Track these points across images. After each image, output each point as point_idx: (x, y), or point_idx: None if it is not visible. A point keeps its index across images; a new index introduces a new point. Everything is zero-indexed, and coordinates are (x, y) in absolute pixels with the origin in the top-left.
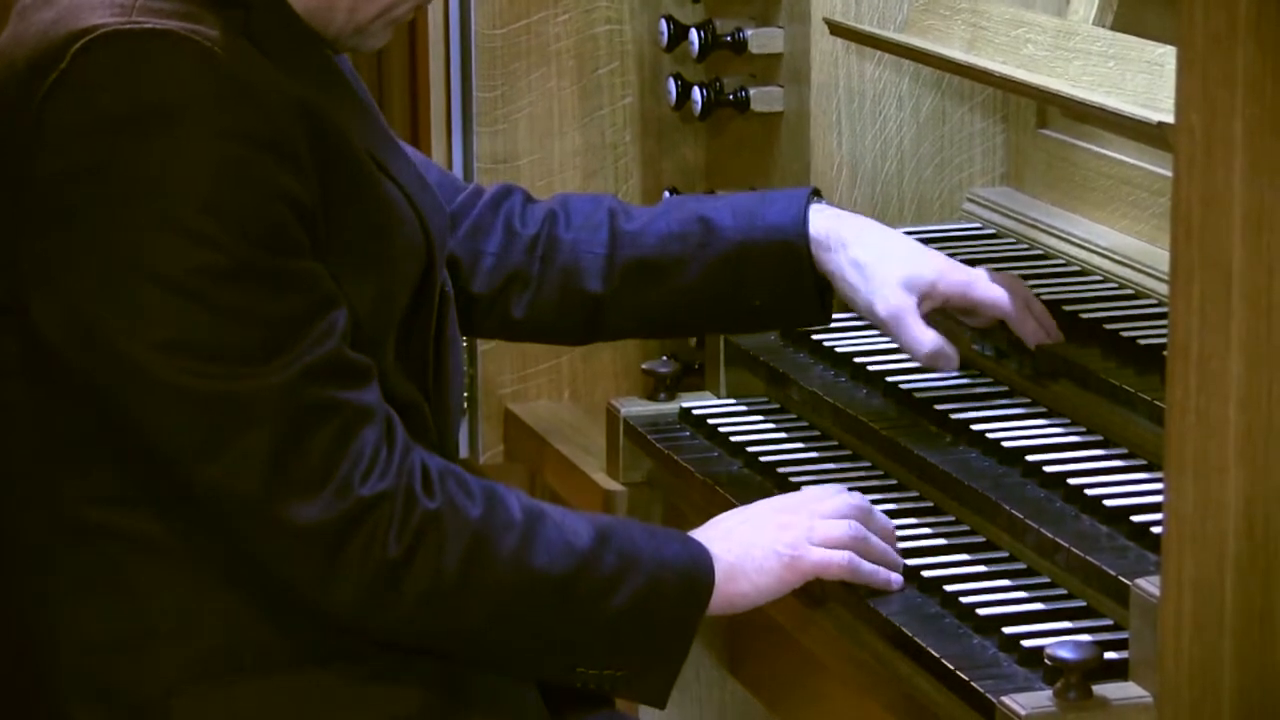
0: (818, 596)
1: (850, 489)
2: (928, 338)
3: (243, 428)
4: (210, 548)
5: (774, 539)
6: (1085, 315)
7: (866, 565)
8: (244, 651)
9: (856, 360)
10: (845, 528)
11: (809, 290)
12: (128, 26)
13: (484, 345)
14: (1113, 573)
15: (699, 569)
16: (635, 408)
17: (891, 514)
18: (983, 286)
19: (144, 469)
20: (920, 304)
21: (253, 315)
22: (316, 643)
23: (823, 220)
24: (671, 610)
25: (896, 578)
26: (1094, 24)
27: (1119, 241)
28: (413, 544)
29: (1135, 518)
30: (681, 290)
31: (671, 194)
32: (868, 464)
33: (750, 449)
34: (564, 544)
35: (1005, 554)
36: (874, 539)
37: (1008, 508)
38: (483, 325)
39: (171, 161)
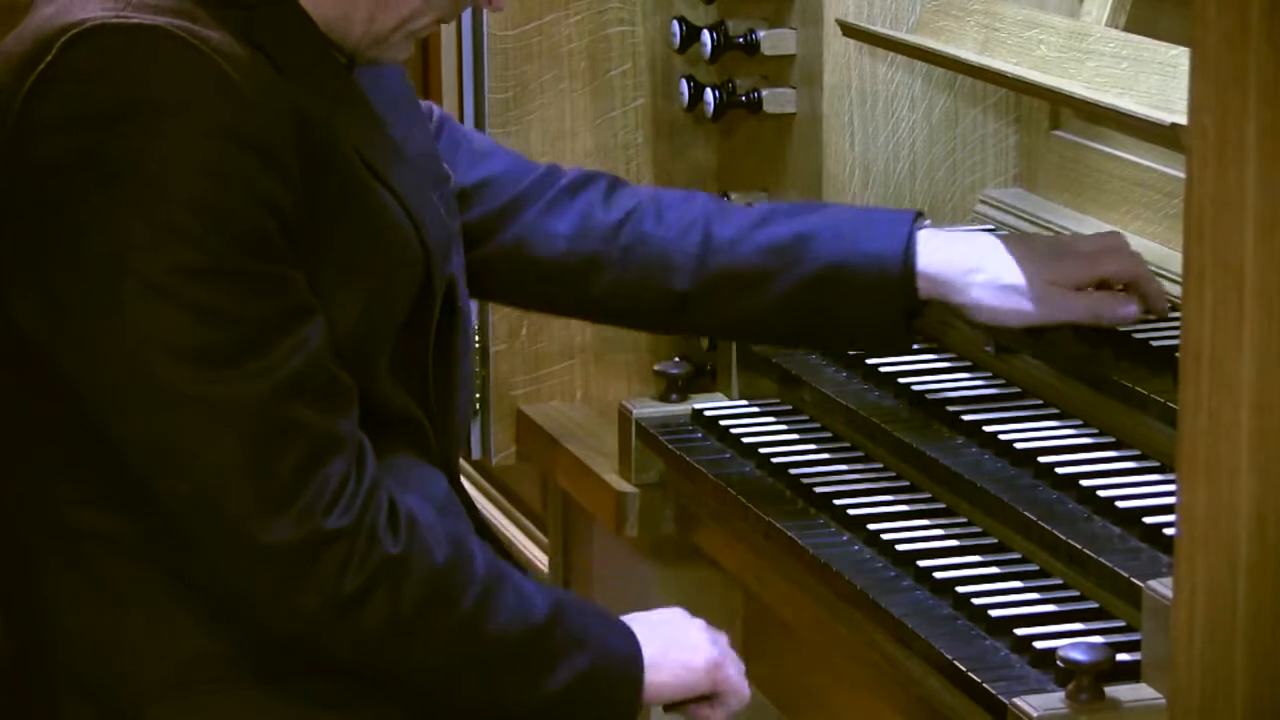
0: (828, 600)
1: (862, 490)
2: (1095, 300)
3: (211, 436)
4: (179, 557)
5: (696, 641)
6: None
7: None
8: (220, 662)
9: (868, 361)
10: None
11: (898, 321)
12: (115, 20)
13: (496, 346)
14: (1125, 575)
15: (635, 664)
16: (647, 409)
17: (904, 515)
18: (1104, 260)
19: (124, 471)
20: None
21: (225, 315)
22: (296, 656)
23: (934, 256)
24: (604, 700)
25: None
26: (1107, 25)
27: (1131, 243)
28: (368, 584)
29: (1147, 519)
30: (768, 305)
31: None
32: (879, 465)
33: (762, 450)
34: (520, 612)
35: (1017, 556)
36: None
37: (1020, 509)
38: (560, 302)
39: (150, 158)
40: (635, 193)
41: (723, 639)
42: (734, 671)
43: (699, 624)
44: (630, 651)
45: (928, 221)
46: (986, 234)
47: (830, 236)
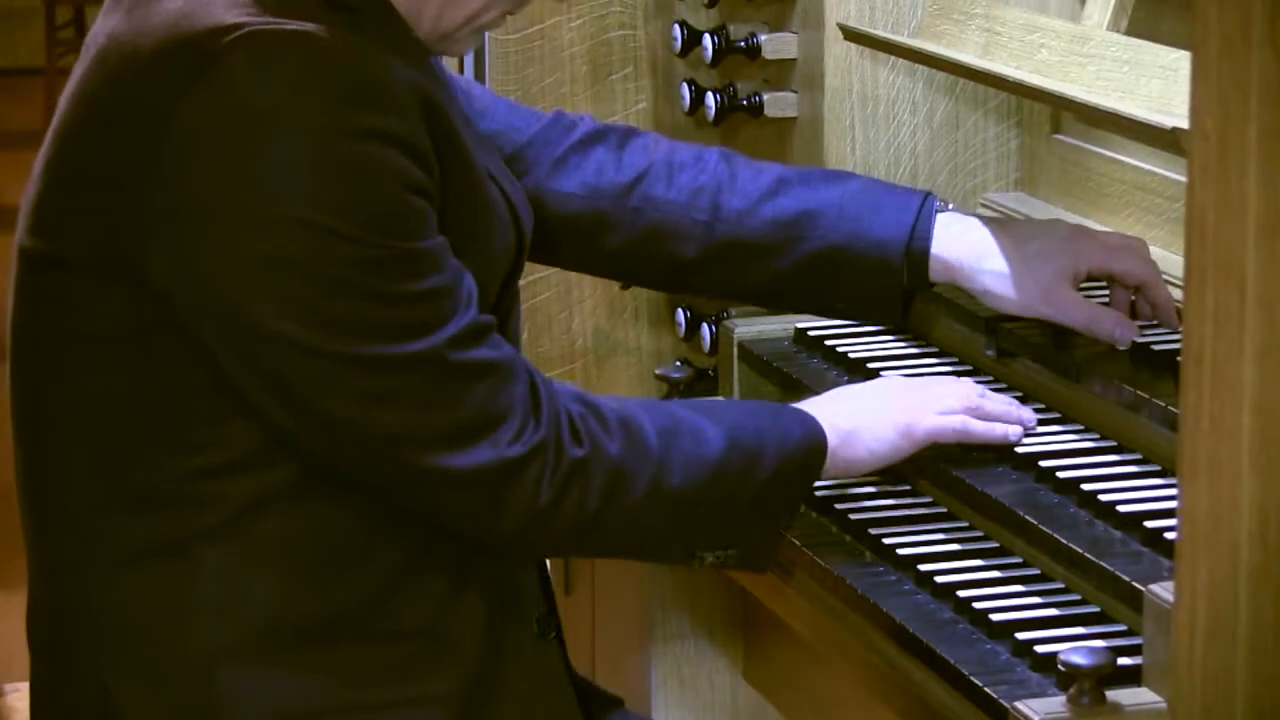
0: (831, 605)
1: (863, 494)
2: (1098, 313)
3: (401, 392)
4: (263, 522)
5: (888, 407)
6: None
7: (980, 425)
8: (286, 624)
9: (870, 365)
10: (962, 396)
11: (895, 302)
12: (269, 26)
13: None
14: (1126, 578)
15: (813, 449)
16: None
17: (905, 520)
18: (1120, 256)
19: (212, 441)
20: (1069, 283)
21: (400, 297)
22: (357, 621)
23: (952, 243)
24: (788, 493)
25: (1015, 430)
26: (1108, 29)
27: None
28: (560, 492)
29: (1149, 523)
30: (772, 276)
31: None
32: (881, 469)
33: None
34: (696, 460)
35: (1019, 560)
36: (989, 403)
37: (1021, 513)
38: (565, 259)
39: (312, 161)
40: (648, 150)
41: (923, 395)
42: (930, 423)
43: (903, 386)
44: (809, 439)
45: (947, 205)
46: (1009, 220)
47: (836, 217)
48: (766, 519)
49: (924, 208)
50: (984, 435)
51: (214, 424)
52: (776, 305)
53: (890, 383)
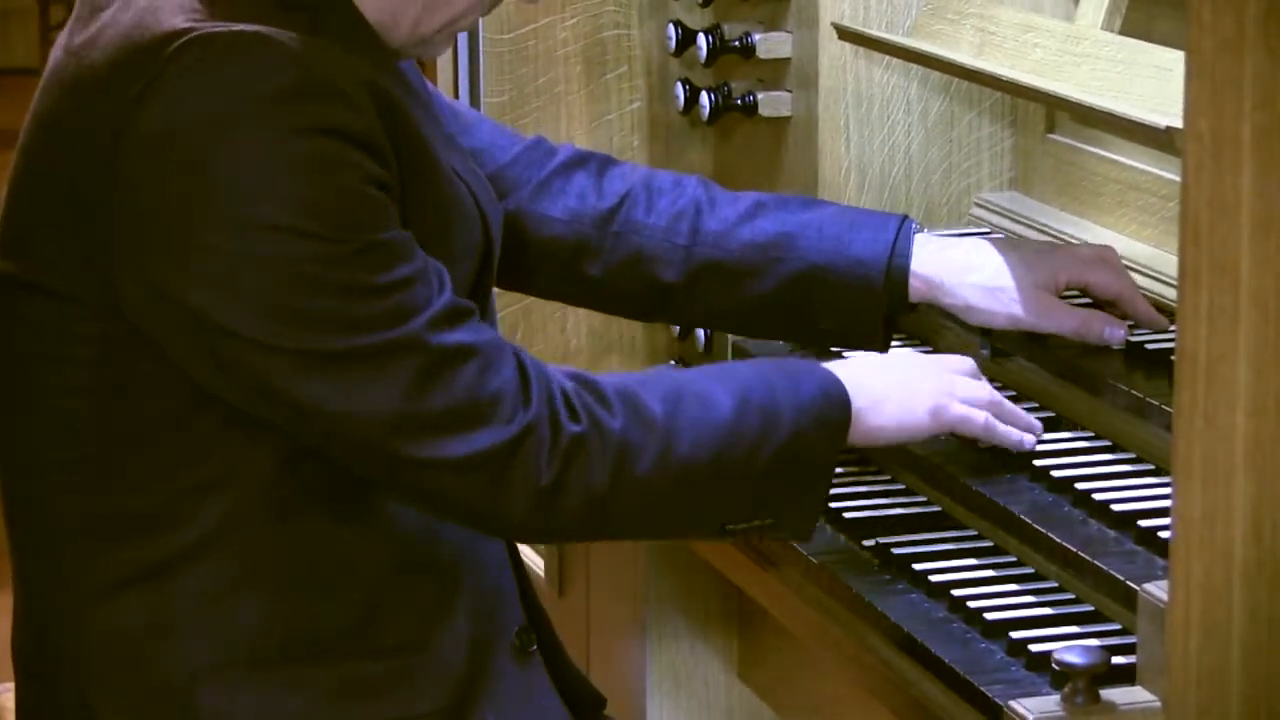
0: (826, 605)
1: (856, 494)
2: (1087, 317)
3: (385, 382)
4: (244, 540)
5: (920, 382)
6: None
7: (1002, 426)
8: (268, 642)
9: None
10: (986, 390)
11: (876, 323)
12: (218, 30)
13: None
14: (1120, 577)
15: (834, 406)
16: None
17: (899, 519)
18: (1095, 269)
19: (191, 460)
20: (1052, 293)
21: (371, 289)
22: (339, 639)
23: (930, 260)
24: (812, 453)
25: (1030, 439)
26: (1102, 29)
27: (1127, 247)
28: (562, 469)
29: (1143, 522)
30: (752, 299)
31: None
32: (873, 469)
33: None
34: (706, 423)
35: (1013, 559)
36: (1007, 403)
37: (1015, 512)
38: (545, 285)
39: (268, 161)
40: (627, 177)
41: (951, 368)
42: (959, 411)
43: (927, 362)
44: (824, 394)
45: (916, 225)
46: (981, 237)
47: (815, 237)
48: (794, 481)
49: (903, 227)
50: (1003, 436)
51: (187, 444)
52: (758, 331)
53: (915, 357)
